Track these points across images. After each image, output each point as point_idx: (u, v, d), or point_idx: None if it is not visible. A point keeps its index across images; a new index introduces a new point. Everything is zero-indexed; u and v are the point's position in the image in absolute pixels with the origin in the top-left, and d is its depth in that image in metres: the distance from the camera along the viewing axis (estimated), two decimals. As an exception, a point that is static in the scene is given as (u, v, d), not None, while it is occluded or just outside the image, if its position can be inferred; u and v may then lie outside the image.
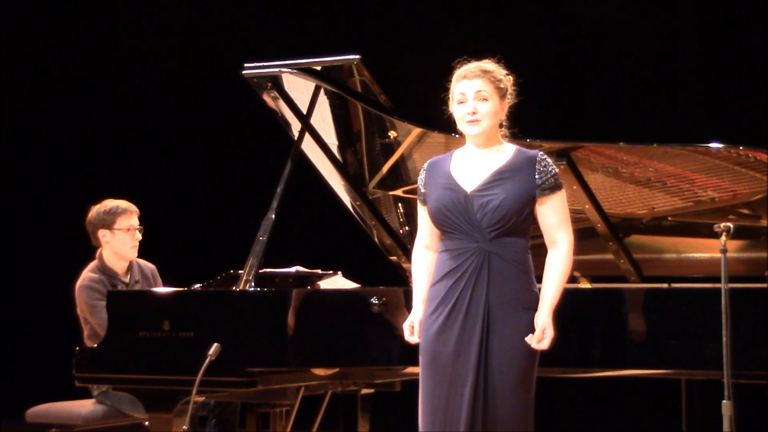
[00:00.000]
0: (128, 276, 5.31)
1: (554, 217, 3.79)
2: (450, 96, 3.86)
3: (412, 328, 3.85)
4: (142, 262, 5.42)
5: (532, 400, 3.76)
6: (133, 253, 5.30)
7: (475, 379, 3.69)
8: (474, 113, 3.77)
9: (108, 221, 5.22)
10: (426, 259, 3.89)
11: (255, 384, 4.63)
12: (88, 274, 5.23)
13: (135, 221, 5.28)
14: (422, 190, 3.89)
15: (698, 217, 5.17)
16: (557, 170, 3.83)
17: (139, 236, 5.28)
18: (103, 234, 5.23)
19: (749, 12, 7.10)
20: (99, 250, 5.30)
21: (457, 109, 3.82)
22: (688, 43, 7.44)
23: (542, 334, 3.71)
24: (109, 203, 5.27)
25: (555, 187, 3.79)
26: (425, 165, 3.92)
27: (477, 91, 3.78)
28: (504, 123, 3.87)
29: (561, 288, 3.77)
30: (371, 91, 5.12)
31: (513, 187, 3.75)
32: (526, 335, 3.72)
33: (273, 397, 5.23)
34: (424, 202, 3.88)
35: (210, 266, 5.48)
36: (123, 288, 5.23)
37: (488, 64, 3.86)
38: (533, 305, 3.75)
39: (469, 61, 3.88)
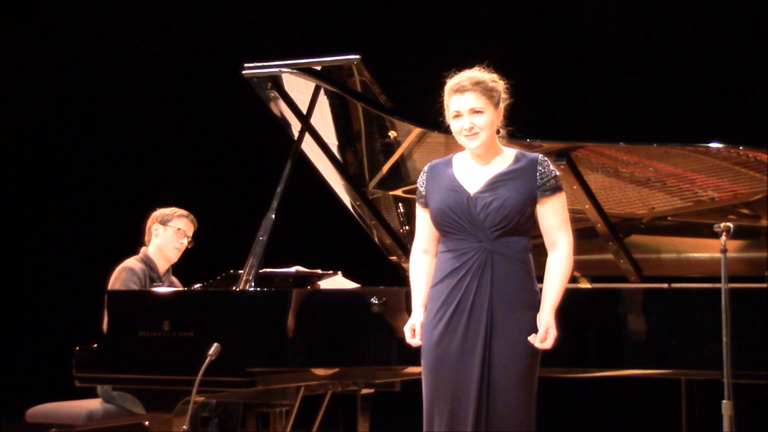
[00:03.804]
0: (164, 276, 5.46)
1: (554, 219, 3.81)
2: (445, 107, 3.87)
3: (414, 330, 3.85)
4: (175, 279, 5.57)
5: (535, 399, 3.77)
6: (174, 254, 5.48)
7: (479, 378, 3.69)
8: (471, 128, 3.79)
9: (165, 218, 5.48)
10: (424, 263, 3.90)
11: (255, 384, 4.62)
12: (132, 261, 5.39)
13: (189, 229, 5.50)
14: (423, 193, 3.89)
15: (698, 217, 5.17)
16: (557, 173, 3.84)
17: (185, 243, 5.47)
18: (155, 228, 5.46)
19: (749, 12, 7.10)
20: (143, 248, 5.47)
21: (453, 124, 3.84)
22: (688, 43, 7.44)
23: (545, 334, 3.72)
24: (174, 208, 5.54)
25: (555, 189, 3.80)
26: (425, 168, 3.93)
27: (471, 108, 3.79)
28: (501, 127, 3.87)
29: (563, 288, 3.79)
30: (371, 91, 5.12)
31: (515, 188, 3.76)
32: (529, 334, 3.72)
33: (273, 397, 5.23)
34: (425, 205, 3.88)
35: (210, 266, 5.49)
36: (158, 284, 5.36)
37: (478, 74, 3.85)
38: (535, 305, 3.76)
39: (458, 72, 3.88)
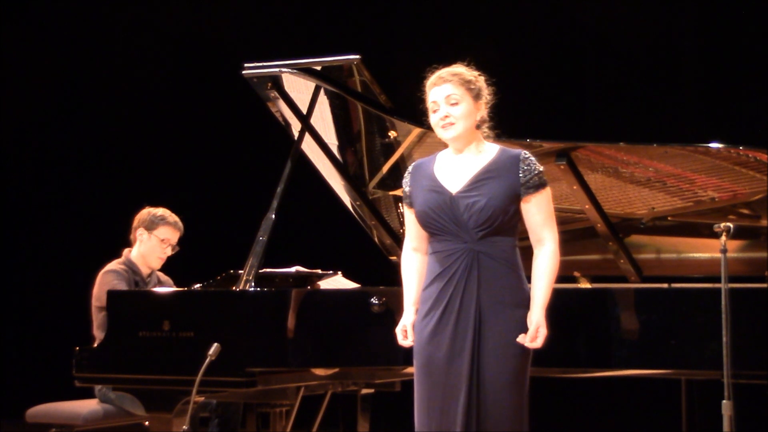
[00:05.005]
0: (148, 278, 5.41)
1: (539, 216, 3.79)
2: (427, 106, 3.87)
3: (405, 331, 3.85)
4: (161, 274, 5.54)
5: (526, 399, 3.76)
6: (156, 264, 5.43)
7: (469, 379, 3.69)
8: (446, 117, 3.78)
9: (152, 224, 5.38)
10: (415, 262, 3.91)
11: (255, 384, 4.62)
12: (113, 264, 5.33)
13: (174, 237, 5.42)
14: (408, 193, 3.90)
15: (698, 217, 5.17)
16: (541, 169, 3.82)
17: (169, 252, 5.41)
18: (141, 233, 5.38)
19: (749, 12, 7.10)
20: (126, 249, 5.41)
21: (432, 117, 3.85)
22: (688, 43, 7.44)
23: (536, 333, 3.71)
24: (163, 211, 5.44)
25: (539, 186, 3.78)
26: (410, 168, 3.94)
27: (447, 96, 3.80)
28: (483, 124, 3.86)
29: (551, 286, 3.77)
30: (371, 91, 5.12)
31: (498, 186, 3.75)
32: (518, 334, 3.72)
33: (273, 397, 5.23)
34: (411, 205, 3.89)
35: (210, 266, 5.48)
36: (142, 285, 5.32)
37: (456, 68, 3.87)
38: (524, 303, 3.75)
39: (438, 68, 3.88)
